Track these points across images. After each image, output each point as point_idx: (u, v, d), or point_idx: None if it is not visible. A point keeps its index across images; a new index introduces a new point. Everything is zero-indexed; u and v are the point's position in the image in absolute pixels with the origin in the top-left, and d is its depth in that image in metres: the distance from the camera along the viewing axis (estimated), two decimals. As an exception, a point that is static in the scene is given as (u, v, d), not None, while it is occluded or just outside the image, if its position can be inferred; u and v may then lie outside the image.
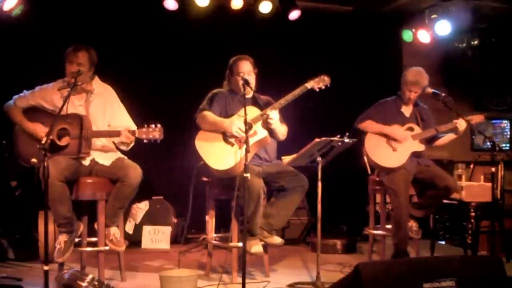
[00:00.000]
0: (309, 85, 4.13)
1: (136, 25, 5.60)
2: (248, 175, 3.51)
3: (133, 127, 4.01)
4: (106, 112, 4.05)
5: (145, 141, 3.89)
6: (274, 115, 4.05)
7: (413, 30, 5.98)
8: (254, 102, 4.26)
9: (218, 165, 3.97)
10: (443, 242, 5.92)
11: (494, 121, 6.98)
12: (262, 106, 4.20)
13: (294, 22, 5.65)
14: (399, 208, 4.31)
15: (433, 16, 5.82)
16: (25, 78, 4.36)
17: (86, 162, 3.94)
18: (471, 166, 6.19)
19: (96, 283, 3.36)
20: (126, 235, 5.04)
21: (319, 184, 3.91)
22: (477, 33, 6.34)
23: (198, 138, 4.10)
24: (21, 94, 4.03)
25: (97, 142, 3.97)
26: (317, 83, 4.14)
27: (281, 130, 4.23)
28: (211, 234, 4.31)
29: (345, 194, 6.06)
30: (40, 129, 3.86)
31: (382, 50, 6.43)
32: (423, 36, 5.95)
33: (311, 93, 4.17)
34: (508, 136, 7.00)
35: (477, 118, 4.52)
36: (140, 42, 5.66)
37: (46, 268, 3.23)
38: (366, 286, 2.68)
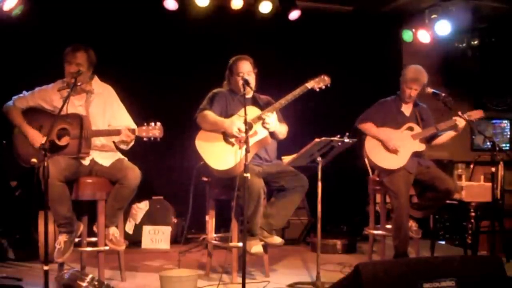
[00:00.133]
0: (310, 85, 4.13)
1: (136, 25, 5.61)
2: (248, 175, 3.51)
3: (133, 126, 4.00)
4: (106, 112, 4.05)
5: (145, 139, 3.89)
6: (270, 119, 4.05)
7: (413, 30, 5.99)
8: (254, 102, 4.26)
9: (218, 165, 3.97)
10: (443, 242, 5.92)
11: (494, 121, 6.98)
12: (262, 106, 4.20)
13: (294, 22, 5.65)
14: (400, 209, 4.31)
15: (433, 16, 5.83)
16: (25, 79, 4.36)
17: (86, 162, 3.94)
18: (471, 166, 6.19)
19: (96, 283, 3.36)
20: (126, 235, 5.03)
21: (319, 184, 3.90)
22: (477, 33, 6.34)
23: (199, 138, 4.10)
24: (21, 95, 4.03)
25: (97, 141, 3.97)
26: (317, 83, 4.14)
27: (281, 130, 4.23)
28: (211, 234, 4.31)
29: (345, 194, 6.06)
30: (37, 139, 3.83)
31: (382, 50, 6.43)
32: (423, 36, 5.96)
33: (311, 93, 4.17)
34: (508, 136, 7.00)
35: (476, 114, 4.51)
36: (140, 42, 5.66)
37: (46, 268, 3.23)
38: (366, 286, 2.68)
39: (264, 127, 4.05)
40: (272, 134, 4.15)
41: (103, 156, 4.00)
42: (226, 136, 4.06)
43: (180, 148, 5.53)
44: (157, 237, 5.51)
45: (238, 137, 3.98)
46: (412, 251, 4.61)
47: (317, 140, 3.76)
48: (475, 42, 6.37)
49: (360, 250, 5.47)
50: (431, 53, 6.25)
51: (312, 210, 5.55)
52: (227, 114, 4.17)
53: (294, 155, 3.95)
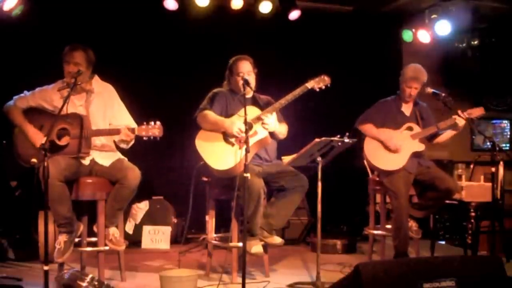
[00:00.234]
0: (310, 85, 4.13)
1: (136, 25, 5.61)
2: (248, 175, 3.51)
3: (134, 125, 4.00)
4: (106, 111, 4.05)
5: (144, 138, 3.89)
6: (269, 119, 4.05)
7: (413, 30, 5.99)
8: (254, 102, 4.26)
9: (218, 165, 3.97)
10: (443, 242, 5.93)
11: (494, 121, 6.99)
12: (262, 106, 4.20)
13: (294, 22, 5.65)
14: (400, 209, 4.31)
15: (433, 16, 5.83)
16: (25, 79, 4.36)
17: (86, 162, 3.94)
18: (471, 166, 6.19)
19: (96, 283, 3.36)
20: (126, 235, 5.03)
21: (319, 184, 3.90)
22: (477, 33, 6.34)
23: (199, 138, 4.10)
24: (21, 95, 4.03)
25: (97, 141, 3.97)
26: (318, 83, 4.14)
27: (281, 130, 4.23)
28: (211, 234, 4.31)
29: (345, 194, 6.06)
30: (38, 138, 3.82)
31: (382, 50, 6.43)
32: (423, 36, 5.96)
33: (311, 93, 4.17)
34: (508, 136, 7.01)
35: (477, 112, 4.48)
36: (140, 42, 5.67)
37: (46, 268, 3.24)
38: (366, 286, 2.68)
39: (263, 128, 4.05)
40: (272, 134, 4.15)
41: (103, 156, 4.00)
42: (226, 136, 4.06)
43: (180, 148, 5.54)
44: (157, 237, 5.51)
45: (238, 137, 3.98)
46: (412, 251, 4.61)
47: (317, 140, 3.76)
48: (475, 42, 6.37)
49: (360, 250, 5.47)
50: (431, 53, 6.26)
51: (312, 210, 5.55)
52: (227, 114, 4.17)
53: (294, 155, 3.95)
